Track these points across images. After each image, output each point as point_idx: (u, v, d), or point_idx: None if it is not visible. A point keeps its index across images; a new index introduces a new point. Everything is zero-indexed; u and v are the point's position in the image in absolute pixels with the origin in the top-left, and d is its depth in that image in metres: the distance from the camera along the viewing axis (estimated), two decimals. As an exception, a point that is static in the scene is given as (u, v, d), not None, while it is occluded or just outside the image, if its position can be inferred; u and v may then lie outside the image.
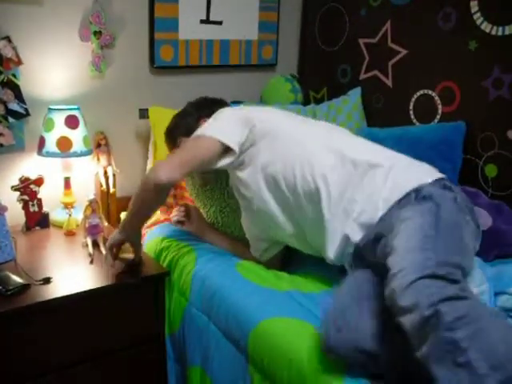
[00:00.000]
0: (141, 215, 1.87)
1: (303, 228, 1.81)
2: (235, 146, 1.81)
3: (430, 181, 1.64)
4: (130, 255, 1.92)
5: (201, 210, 2.22)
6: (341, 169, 1.72)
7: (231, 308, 1.73)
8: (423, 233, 1.43)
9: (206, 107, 2.09)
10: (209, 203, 2.18)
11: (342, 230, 1.69)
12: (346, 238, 1.68)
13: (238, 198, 1.96)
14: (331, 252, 1.73)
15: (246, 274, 1.88)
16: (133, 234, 1.89)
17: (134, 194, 1.82)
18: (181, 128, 2.07)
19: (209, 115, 1.98)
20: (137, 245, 1.91)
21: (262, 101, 2.87)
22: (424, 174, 1.70)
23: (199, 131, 1.87)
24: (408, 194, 1.60)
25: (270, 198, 1.83)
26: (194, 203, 2.25)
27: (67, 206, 2.25)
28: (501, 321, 1.28)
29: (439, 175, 1.70)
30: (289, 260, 2.06)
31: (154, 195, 1.76)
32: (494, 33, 2.22)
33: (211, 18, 2.66)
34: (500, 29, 2.20)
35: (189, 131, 1.96)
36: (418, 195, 1.58)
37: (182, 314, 1.95)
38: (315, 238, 1.79)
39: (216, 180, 2.12)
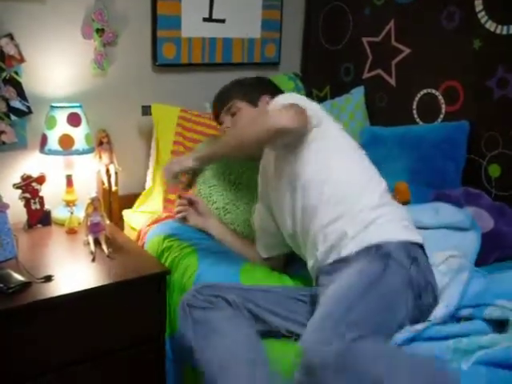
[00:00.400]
0: (229, 153, 1.80)
1: (296, 232, 1.80)
2: (313, 125, 1.72)
3: (398, 239, 1.58)
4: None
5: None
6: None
7: None
8: (345, 296, 1.42)
9: (270, 88, 2.12)
10: (212, 200, 2.19)
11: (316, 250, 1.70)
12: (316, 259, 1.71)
13: (264, 181, 1.96)
14: (309, 263, 1.76)
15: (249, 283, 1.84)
16: (203, 166, 1.87)
17: (236, 134, 1.82)
18: (239, 92, 2.07)
19: (271, 96, 1.96)
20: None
21: (265, 99, 2.86)
22: (400, 230, 1.62)
23: (279, 104, 1.73)
24: (368, 248, 1.56)
25: (287, 191, 1.78)
26: None
27: (69, 203, 2.25)
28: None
29: (416, 239, 1.62)
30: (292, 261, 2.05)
31: (265, 136, 1.66)
32: (498, 32, 2.21)
33: (214, 16, 2.65)
34: (505, 28, 2.19)
35: (246, 98, 2.03)
36: (377, 252, 1.54)
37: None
38: (304, 244, 1.79)
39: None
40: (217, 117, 2.16)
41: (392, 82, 2.66)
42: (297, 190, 1.73)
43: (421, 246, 1.62)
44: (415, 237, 1.62)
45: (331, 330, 1.30)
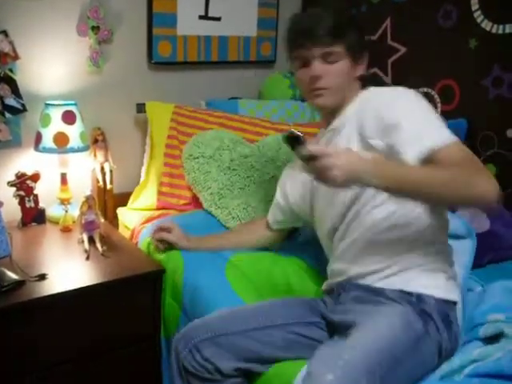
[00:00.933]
0: (429, 188, 1.31)
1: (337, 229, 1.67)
2: None
3: (439, 297, 1.49)
4: None
5: (200, 194, 2.29)
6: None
7: None
8: (389, 350, 1.33)
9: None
10: (206, 186, 2.26)
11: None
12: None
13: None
14: (334, 265, 1.69)
15: (237, 288, 1.81)
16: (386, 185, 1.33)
17: (458, 174, 1.31)
18: (351, 37, 1.58)
19: (362, 64, 1.64)
20: None
21: (261, 97, 2.86)
22: (444, 284, 1.53)
23: (446, 137, 1.39)
24: (409, 294, 1.48)
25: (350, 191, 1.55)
26: (193, 188, 2.32)
27: (64, 201, 2.24)
28: None
29: (455, 298, 1.53)
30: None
31: (474, 203, 1.44)
32: (494, 31, 2.21)
33: (210, 14, 2.64)
34: (500, 27, 2.19)
35: (352, 50, 1.58)
36: (418, 304, 1.46)
37: (177, 323, 1.92)
38: (338, 243, 1.69)
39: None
40: (298, 47, 1.61)
41: (388, 80, 2.66)
42: (362, 197, 1.55)
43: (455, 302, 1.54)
44: (455, 294, 1.54)
45: (362, 375, 1.24)
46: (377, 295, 1.52)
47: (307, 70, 1.59)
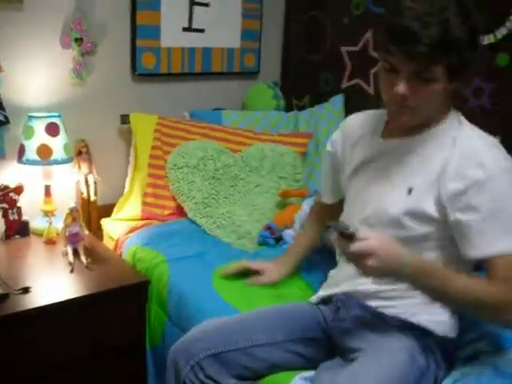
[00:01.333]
0: (448, 301, 1.40)
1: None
2: None
3: (443, 334, 1.45)
4: None
5: (184, 203, 2.30)
6: None
7: None
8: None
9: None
10: (191, 195, 2.29)
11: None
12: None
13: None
14: (342, 270, 1.62)
15: (224, 293, 1.82)
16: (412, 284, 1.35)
17: (492, 298, 1.29)
18: (455, 56, 1.29)
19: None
20: None
21: (245, 108, 2.87)
22: (449, 320, 1.46)
23: None
24: (414, 326, 1.44)
25: (394, 191, 1.47)
26: (177, 198, 2.34)
27: (48, 213, 2.23)
28: None
29: (455, 335, 1.48)
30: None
31: (505, 326, 1.44)
32: (473, 42, 2.24)
33: (193, 26, 2.66)
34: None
35: (453, 69, 1.30)
36: (422, 338, 1.43)
37: (163, 329, 1.93)
38: None
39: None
40: (388, 53, 1.32)
41: (370, 90, 2.68)
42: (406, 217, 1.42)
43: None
44: (455, 331, 1.49)
45: None
46: (381, 321, 1.47)
47: (393, 78, 1.34)
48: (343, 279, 1.58)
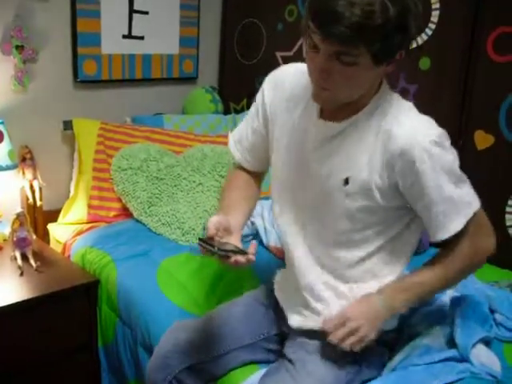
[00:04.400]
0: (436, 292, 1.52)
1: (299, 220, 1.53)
2: None
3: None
4: None
5: (129, 204, 2.37)
6: None
7: (156, 336, 1.74)
8: None
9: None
10: (136, 196, 2.36)
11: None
12: None
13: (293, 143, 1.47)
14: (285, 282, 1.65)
15: (167, 292, 1.90)
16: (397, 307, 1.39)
17: (457, 267, 1.39)
18: (378, 34, 1.16)
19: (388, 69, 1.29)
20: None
21: (185, 112, 2.96)
22: None
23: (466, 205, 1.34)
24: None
25: (335, 193, 1.40)
26: (122, 199, 2.40)
27: (-7, 220, 2.25)
28: None
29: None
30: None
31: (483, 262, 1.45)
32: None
33: (133, 33, 2.72)
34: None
35: (375, 51, 1.18)
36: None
37: (114, 328, 1.99)
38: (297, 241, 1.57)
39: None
40: (309, 30, 1.22)
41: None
42: (354, 215, 1.38)
43: None
44: (395, 323, 1.52)
45: None
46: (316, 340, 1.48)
47: (315, 57, 1.25)
48: (290, 302, 1.56)
